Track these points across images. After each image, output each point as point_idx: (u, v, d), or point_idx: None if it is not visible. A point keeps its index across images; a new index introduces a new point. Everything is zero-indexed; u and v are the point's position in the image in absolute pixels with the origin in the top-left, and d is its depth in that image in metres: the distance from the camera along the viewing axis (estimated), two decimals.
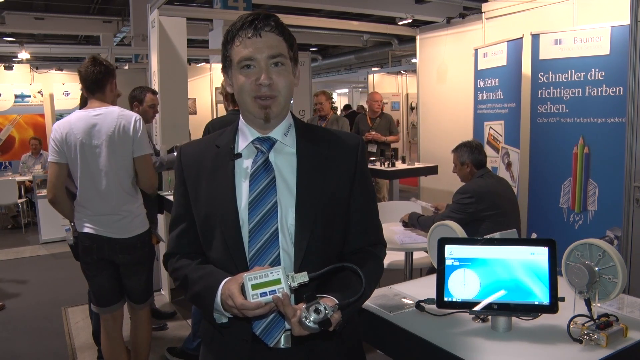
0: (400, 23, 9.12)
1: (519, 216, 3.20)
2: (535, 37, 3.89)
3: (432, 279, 1.62)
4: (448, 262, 1.52)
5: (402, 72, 11.36)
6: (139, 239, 2.52)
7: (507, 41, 4.19)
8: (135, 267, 2.53)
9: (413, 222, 3.11)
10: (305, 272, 1.07)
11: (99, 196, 2.42)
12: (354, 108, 12.96)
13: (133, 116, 2.46)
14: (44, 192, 6.27)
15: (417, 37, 5.91)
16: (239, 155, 1.22)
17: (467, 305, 1.48)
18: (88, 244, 2.47)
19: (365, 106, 8.18)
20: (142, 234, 2.54)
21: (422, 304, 1.62)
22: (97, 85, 2.45)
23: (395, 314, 1.61)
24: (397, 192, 5.53)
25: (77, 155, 2.40)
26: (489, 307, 1.46)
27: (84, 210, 2.47)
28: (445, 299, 1.51)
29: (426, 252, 2.60)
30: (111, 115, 2.41)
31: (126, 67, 10.60)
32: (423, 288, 1.78)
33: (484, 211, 2.90)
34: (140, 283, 2.58)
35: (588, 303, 1.45)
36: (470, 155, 3.07)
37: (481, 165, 3.09)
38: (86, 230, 2.45)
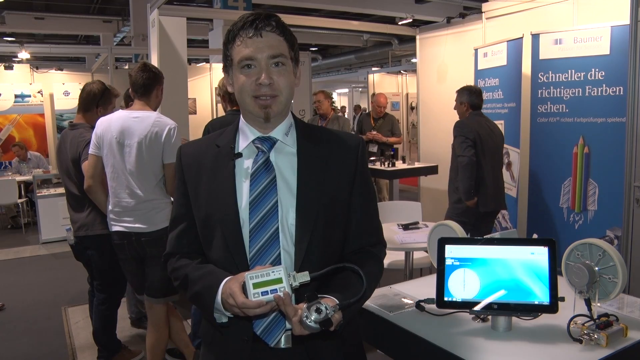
0: (400, 23, 9.14)
1: (501, 160, 3.83)
2: (535, 37, 3.89)
3: (432, 278, 1.62)
4: (448, 262, 1.52)
5: (402, 72, 11.36)
6: (165, 232, 2.60)
7: (507, 41, 4.20)
8: (159, 260, 2.60)
9: (463, 192, 3.57)
10: (307, 272, 1.07)
11: (125, 192, 2.54)
12: (352, 107, 12.98)
13: (167, 125, 2.56)
14: (44, 191, 6.29)
15: (417, 37, 5.92)
16: (240, 155, 1.22)
17: (467, 305, 1.48)
18: (119, 242, 2.60)
19: (364, 106, 8.19)
20: (167, 228, 2.62)
21: (422, 303, 1.62)
22: (144, 89, 2.60)
23: (395, 314, 1.61)
24: (397, 192, 5.53)
25: (108, 151, 2.54)
26: (489, 307, 1.46)
27: (111, 206, 2.59)
28: (445, 298, 1.51)
29: (426, 252, 2.60)
30: (147, 120, 2.53)
31: (126, 67, 10.59)
32: (423, 288, 1.78)
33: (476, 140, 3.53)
34: (160, 276, 2.59)
35: (588, 303, 1.46)
36: (469, 97, 3.69)
37: (476, 107, 3.69)
38: (116, 228, 2.59)
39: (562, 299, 1.44)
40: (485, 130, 3.63)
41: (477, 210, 3.62)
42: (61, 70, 9.80)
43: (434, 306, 1.54)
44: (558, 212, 3.84)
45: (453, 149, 3.71)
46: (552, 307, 1.43)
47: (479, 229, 3.43)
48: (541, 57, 3.86)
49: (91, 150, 2.60)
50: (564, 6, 4.06)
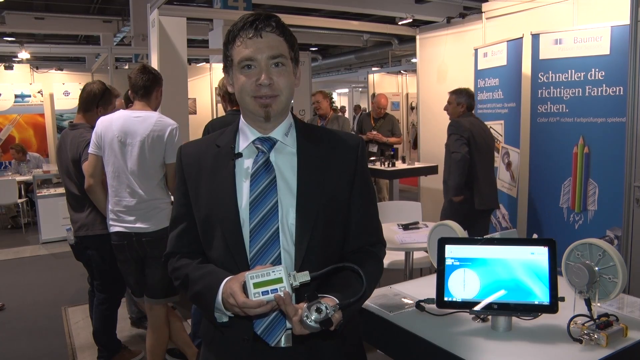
0: (400, 23, 9.14)
1: (493, 159, 3.95)
2: (535, 37, 3.89)
3: (432, 279, 1.62)
4: (448, 262, 1.52)
5: (402, 72, 11.34)
6: (166, 232, 2.61)
7: (507, 41, 4.20)
8: (160, 260, 2.61)
9: (452, 188, 3.67)
10: (307, 272, 1.07)
11: (126, 191, 2.54)
12: (352, 107, 12.98)
13: (169, 125, 2.57)
14: (44, 191, 6.29)
15: (417, 37, 5.92)
16: (240, 155, 1.23)
17: (467, 305, 1.48)
18: (118, 243, 2.59)
19: (364, 106, 8.19)
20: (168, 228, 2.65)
21: (422, 303, 1.62)
22: (144, 91, 2.62)
23: (395, 314, 1.61)
24: (397, 192, 5.54)
25: (109, 150, 2.54)
26: (489, 307, 1.46)
27: (112, 205, 2.58)
28: (445, 298, 1.51)
29: (426, 252, 2.60)
30: (149, 120, 2.54)
31: (126, 67, 10.59)
32: (423, 288, 1.78)
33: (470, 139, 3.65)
34: (160, 276, 2.59)
35: (588, 303, 1.46)
36: (467, 99, 3.86)
37: (471, 109, 3.90)
38: (116, 229, 2.58)
39: (562, 299, 1.44)
40: (478, 130, 3.72)
41: (473, 207, 3.64)
42: (61, 70, 9.80)
43: (434, 306, 1.55)
44: (558, 212, 3.84)
45: (447, 149, 3.76)
46: (552, 307, 1.43)
47: (475, 228, 3.43)
48: (541, 57, 3.86)
49: (91, 149, 2.60)
50: (564, 6, 4.06)
